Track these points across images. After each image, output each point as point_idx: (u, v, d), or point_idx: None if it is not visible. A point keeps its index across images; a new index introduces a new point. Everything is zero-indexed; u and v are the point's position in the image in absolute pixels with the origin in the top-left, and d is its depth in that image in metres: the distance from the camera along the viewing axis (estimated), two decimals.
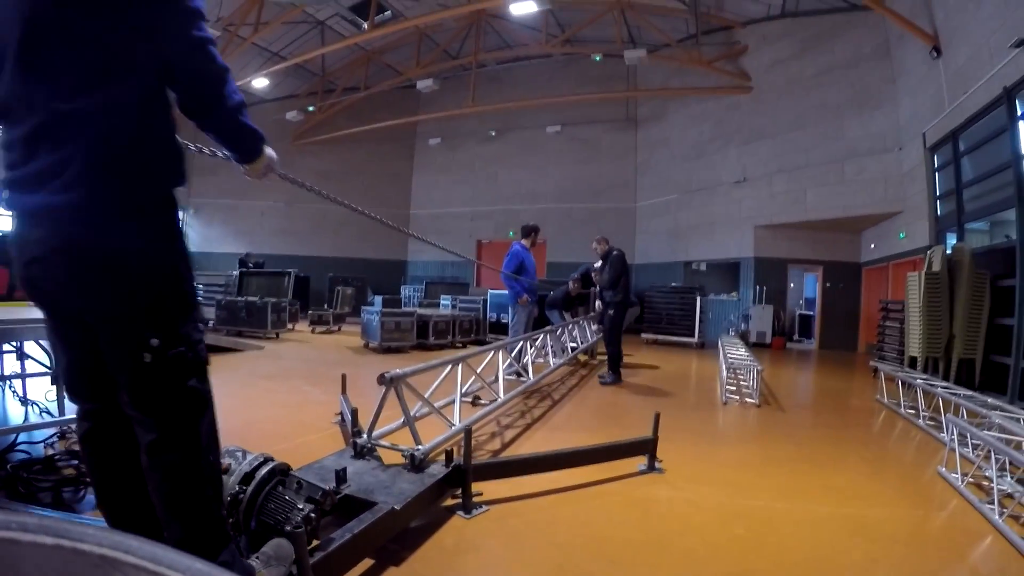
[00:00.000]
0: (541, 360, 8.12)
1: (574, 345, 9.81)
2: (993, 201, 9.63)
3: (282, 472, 2.45)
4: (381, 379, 3.59)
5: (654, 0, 16.87)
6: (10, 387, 5.55)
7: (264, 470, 2.38)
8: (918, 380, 6.98)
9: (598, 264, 9.24)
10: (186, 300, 1.95)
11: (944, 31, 10.92)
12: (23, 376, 5.44)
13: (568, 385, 8.11)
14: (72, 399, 2.05)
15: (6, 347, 5.56)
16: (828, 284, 16.48)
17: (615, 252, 8.82)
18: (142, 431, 1.88)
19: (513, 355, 7.00)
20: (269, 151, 2.19)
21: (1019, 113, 8.71)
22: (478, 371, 5.47)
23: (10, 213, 1.79)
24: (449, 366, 4.82)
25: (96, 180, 1.69)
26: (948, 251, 9.66)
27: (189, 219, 22.40)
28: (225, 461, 2.33)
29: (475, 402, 5.95)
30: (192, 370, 1.92)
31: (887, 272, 14.42)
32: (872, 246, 15.34)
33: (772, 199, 16.37)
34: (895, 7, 12.17)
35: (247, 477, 2.34)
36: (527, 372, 6.71)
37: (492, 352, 6.08)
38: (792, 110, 15.94)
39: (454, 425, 4.18)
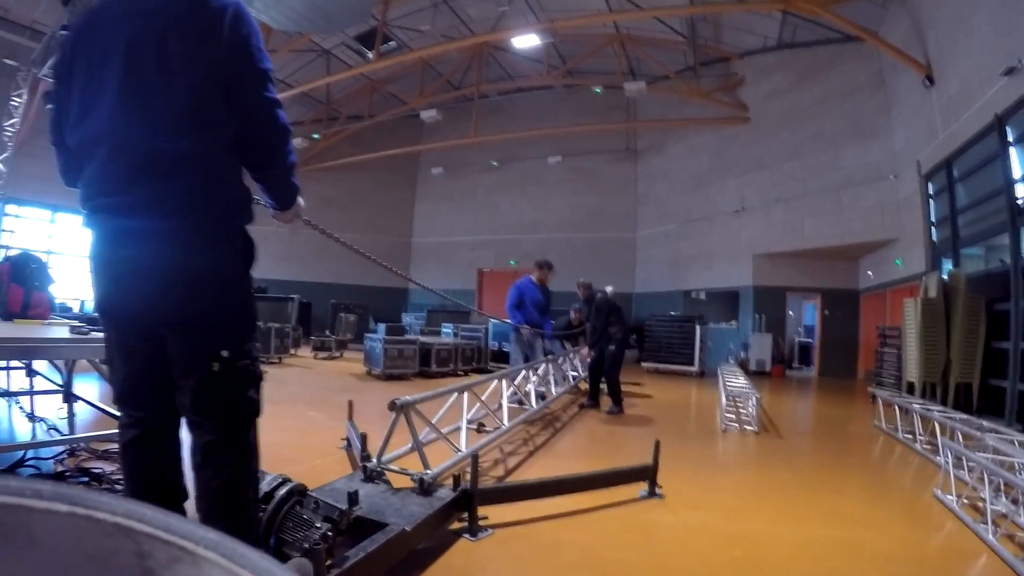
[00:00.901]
0: (543, 388, 8.19)
1: (575, 374, 9.89)
2: (987, 226, 9.80)
3: (299, 492, 2.55)
4: (392, 406, 3.67)
5: (653, 33, 17.23)
6: (17, 404, 5.58)
7: (283, 490, 2.48)
8: (915, 405, 7.08)
9: (576, 306, 9.66)
10: (252, 320, 2.18)
11: (936, 61, 11.19)
12: (31, 393, 5.48)
13: (570, 413, 8.18)
14: (123, 408, 2.21)
15: (15, 364, 5.65)
16: (827, 312, 16.61)
17: (599, 295, 8.78)
18: (200, 432, 2.07)
19: (516, 383, 7.07)
20: (300, 201, 2.37)
21: (1010, 139, 8.93)
22: (483, 398, 5.55)
23: (95, 234, 2.00)
24: (455, 394, 4.90)
25: (194, 211, 1.91)
26: (944, 277, 9.80)
27: None
28: None
29: (480, 429, 6.01)
30: (251, 381, 2.15)
31: (885, 299, 14.55)
32: (870, 273, 15.51)
33: (770, 228, 16.57)
34: (888, 38, 12.49)
35: (267, 496, 2.44)
36: (529, 400, 6.79)
37: (495, 380, 6.15)
38: (789, 140, 16.21)
39: (461, 451, 4.24)
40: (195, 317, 1.99)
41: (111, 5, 1.97)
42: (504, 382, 6.03)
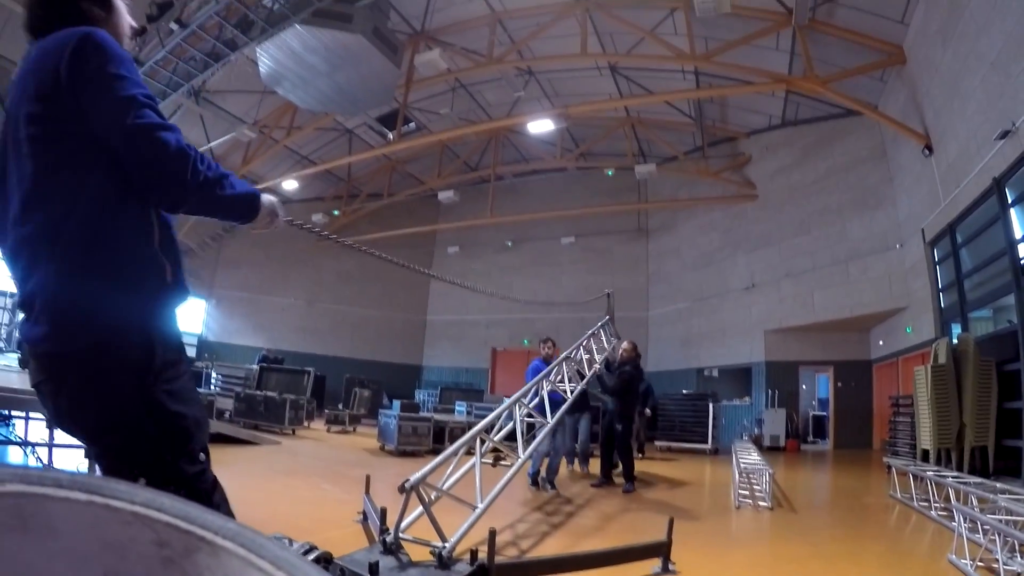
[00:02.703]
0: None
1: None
2: (993, 288, 9.89)
3: (326, 560, 2.63)
4: (401, 489, 3.69)
5: (662, 115, 17.96)
6: (34, 454, 5.48)
7: (311, 557, 2.56)
8: (929, 472, 7.06)
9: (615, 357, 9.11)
10: (175, 434, 1.72)
11: (934, 129, 11.55)
12: (50, 445, 5.46)
13: (585, 494, 8.07)
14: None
15: (35, 414, 5.59)
16: (840, 384, 16.46)
17: (626, 369, 8.75)
18: None
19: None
20: (267, 200, 1.97)
21: (1010, 201, 9.10)
22: (495, 437, 5.53)
23: None
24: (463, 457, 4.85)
25: (54, 312, 1.59)
26: (953, 342, 9.77)
27: (211, 309, 23.05)
28: None
29: (496, 463, 5.94)
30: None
31: (897, 368, 14.43)
32: (881, 343, 15.45)
33: (781, 303, 16.69)
34: (887, 110, 12.96)
35: None
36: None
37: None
38: (796, 215, 16.55)
39: (477, 506, 4.24)
40: (92, 441, 1.76)
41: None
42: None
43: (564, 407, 6.63)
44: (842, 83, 12.87)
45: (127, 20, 1.96)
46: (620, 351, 9.11)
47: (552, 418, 6.25)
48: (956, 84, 10.40)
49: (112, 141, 1.63)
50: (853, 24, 12.49)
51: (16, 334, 1.77)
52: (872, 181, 14.64)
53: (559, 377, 7.19)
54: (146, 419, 1.66)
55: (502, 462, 5.97)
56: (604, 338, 9.46)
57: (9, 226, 1.66)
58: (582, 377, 7.67)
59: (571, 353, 7.79)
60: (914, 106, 12.15)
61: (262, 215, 1.94)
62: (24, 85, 1.67)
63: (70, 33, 1.65)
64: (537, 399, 6.59)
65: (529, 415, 6.34)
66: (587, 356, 8.40)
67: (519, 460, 5.35)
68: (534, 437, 6.44)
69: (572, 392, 7.14)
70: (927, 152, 11.68)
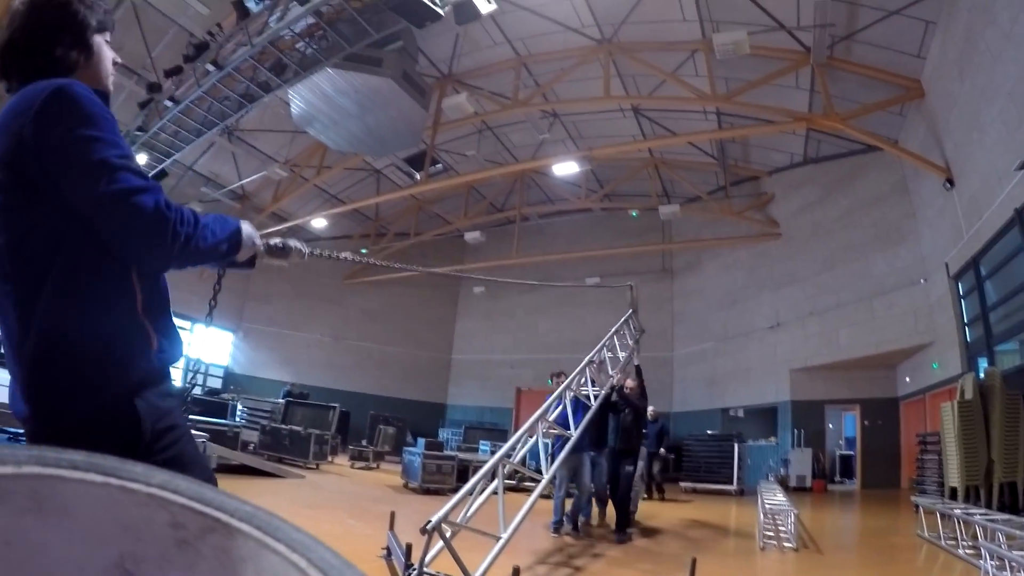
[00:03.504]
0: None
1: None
2: (1019, 320, 9.74)
3: None
4: (423, 531, 3.77)
5: (685, 156, 18.18)
6: None
7: None
8: (956, 510, 6.96)
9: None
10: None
11: (955, 162, 11.53)
12: None
13: (608, 539, 8.03)
14: None
15: None
16: (866, 422, 16.15)
17: (626, 415, 8.30)
18: None
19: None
20: (245, 234, 1.83)
21: None
22: (514, 460, 5.54)
23: None
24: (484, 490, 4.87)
25: (32, 390, 1.51)
26: (980, 376, 9.62)
27: (238, 342, 23.44)
28: None
29: (520, 484, 5.92)
30: None
31: (924, 404, 14.13)
32: (907, 379, 15.19)
33: (806, 341, 16.55)
34: (907, 145, 13.02)
35: None
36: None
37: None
38: (820, 253, 16.51)
39: (501, 537, 4.29)
40: None
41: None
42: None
43: (588, 416, 6.65)
44: (862, 119, 12.97)
45: (109, 58, 1.78)
46: (625, 387, 8.42)
47: (576, 430, 6.25)
48: (975, 116, 10.43)
49: (85, 211, 1.50)
50: (871, 60, 12.67)
51: None
52: (895, 216, 14.60)
53: (583, 380, 7.19)
54: None
55: (526, 482, 5.90)
56: (628, 334, 9.41)
57: None
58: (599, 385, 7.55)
59: (594, 356, 7.71)
60: (934, 139, 12.17)
61: (244, 250, 1.84)
62: None
63: (37, 90, 1.52)
64: (560, 406, 6.59)
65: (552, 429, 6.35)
66: (610, 355, 8.40)
67: (543, 479, 5.40)
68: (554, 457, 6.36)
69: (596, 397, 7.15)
70: (948, 185, 11.65)
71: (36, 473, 0.54)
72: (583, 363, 7.38)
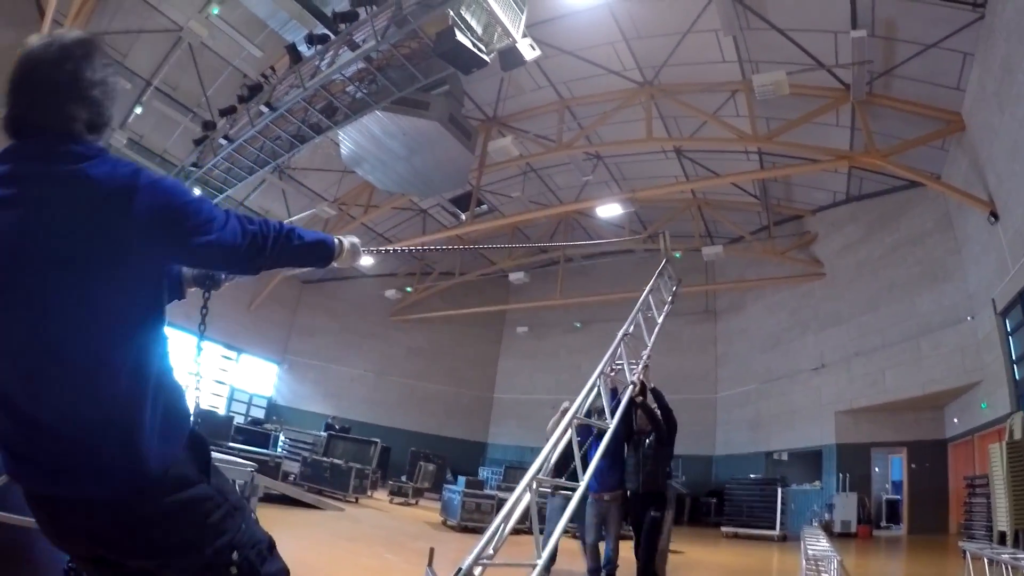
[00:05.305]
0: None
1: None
2: None
3: None
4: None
5: (728, 196, 18.26)
6: None
7: None
8: (1004, 555, 6.74)
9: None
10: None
11: (998, 195, 11.35)
12: None
13: None
14: None
15: None
16: (913, 465, 15.60)
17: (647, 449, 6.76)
18: None
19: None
20: (348, 243, 2.16)
21: None
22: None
23: None
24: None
25: (105, 454, 1.57)
26: None
27: (282, 373, 23.95)
28: None
29: (556, 491, 5.76)
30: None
31: (973, 446, 13.60)
32: (955, 420, 14.64)
33: (851, 383, 16.26)
34: (950, 180, 12.91)
35: None
36: None
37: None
38: (864, 292, 16.29)
39: (537, 563, 4.27)
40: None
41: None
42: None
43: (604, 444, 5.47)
44: (904, 155, 12.89)
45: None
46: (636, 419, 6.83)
47: (612, 421, 5.54)
48: (1017, 147, 10.29)
49: (182, 263, 1.84)
50: (910, 94, 12.68)
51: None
52: (939, 253, 14.37)
53: (617, 366, 6.42)
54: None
55: (562, 491, 5.55)
56: (664, 290, 8.55)
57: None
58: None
59: (629, 327, 6.82)
60: (976, 173, 12.02)
61: (343, 257, 2.14)
62: (38, 208, 1.54)
63: (133, 175, 1.60)
64: (594, 393, 5.69)
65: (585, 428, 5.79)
66: (648, 314, 7.41)
67: (580, 486, 5.01)
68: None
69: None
70: (993, 219, 11.47)
71: None
72: (618, 337, 6.48)
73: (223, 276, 2.26)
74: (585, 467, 5.00)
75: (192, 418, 1.81)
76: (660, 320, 7.51)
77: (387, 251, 3.54)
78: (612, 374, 6.63)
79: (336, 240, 2.10)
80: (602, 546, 6.59)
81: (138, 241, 1.57)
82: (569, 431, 5.42)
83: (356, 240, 2.22)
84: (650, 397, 6.85)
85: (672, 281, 8.83)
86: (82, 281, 1.53)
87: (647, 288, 7.58)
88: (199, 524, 1.68)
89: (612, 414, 5.71)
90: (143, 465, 1.56)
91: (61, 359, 1.53)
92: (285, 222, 1.92)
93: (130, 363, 1.58)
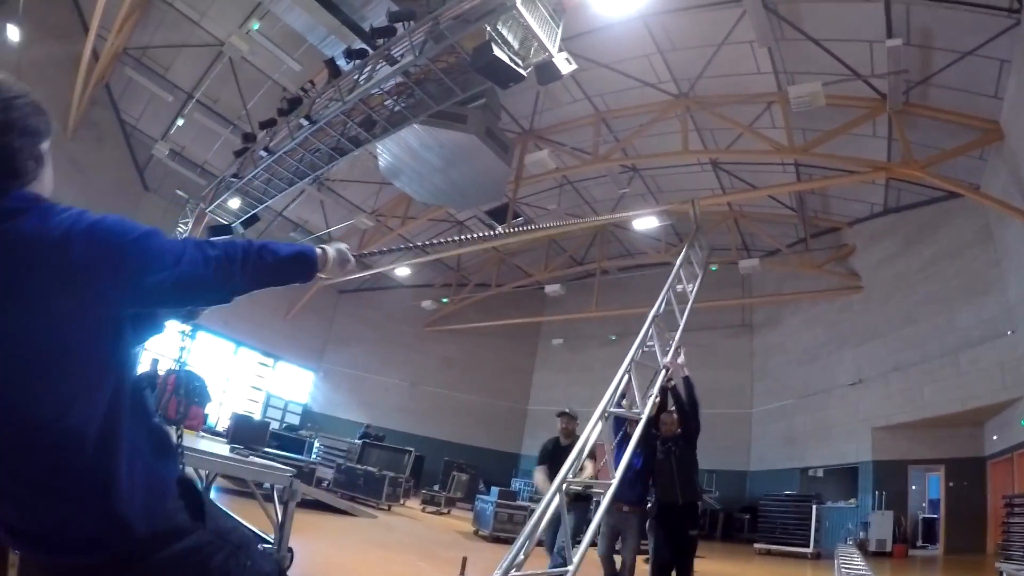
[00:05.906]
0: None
1: None
2: None
3: None
4: None
5: (764, 209, 18.16)
6: None
7: None
8: None
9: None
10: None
11: None
12: None
13: None
14: None
15: None
16: (951, 483, 15.16)
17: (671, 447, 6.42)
18: None
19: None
20: (333, 251, 2.06)
21: None
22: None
23: None
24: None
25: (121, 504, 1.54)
26: None
27: (318, 381, 24.50)
28: None
29: (585, 490, 5.66)
30: None
31: (1012, 464, 13.23)
32: (995, 437, 14.23)
33: (888, 399, 15.95)
34: (989, 190, 12.64)
35: None
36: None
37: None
38: (903, 306, 16.01)
39: (568, 570, 4.41)
40: None
41: None
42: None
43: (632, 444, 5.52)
44: (942, 165, 12.71)
45: (51, 170, 1.68)
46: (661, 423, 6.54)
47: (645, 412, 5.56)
48: None
49: (150, 306, 1.72)
50: (947, 103, 12.52)
51: None
52: (979, 265, 14.05)
53: (648, 347, 6.16)
54: None
55: (593, 490, 5.51)
56: (695, 261, 8.34)
57: None
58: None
59: (659, 307, 6.60)
60: (1016, 183, 11.76)
61: (327, 268, 2.03)
62: None
63: (67, 222, 1.49)
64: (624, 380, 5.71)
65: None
66: (680, 287, 7.22)
67: (612, 485, 5.17)
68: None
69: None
70: None
71: None
72: (648, 320, 6.28)
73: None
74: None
75: (179, 463, 1.80)
76: (692, 294, 7.43)
77: (381, 252, 3.58)
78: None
79: (318, 251, 1.97)
80: (617, 559, 6.33)
81: (84, 294, 1.47)
82: (600, 424, 5.49)
83: (343, 246, 2.12)
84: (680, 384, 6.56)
85: (703, 250, 8.62)
86: (32, 351, 1.45)
87: (678, 260, 7.39)
88: (200, 572, 1.66)
89: (627, 440, 5.72)
90: (128, 531, 1.52)
91: (22, 432, 1.46)
92: (256, 239, 1.86)
93: (94, 426, 1.49)
